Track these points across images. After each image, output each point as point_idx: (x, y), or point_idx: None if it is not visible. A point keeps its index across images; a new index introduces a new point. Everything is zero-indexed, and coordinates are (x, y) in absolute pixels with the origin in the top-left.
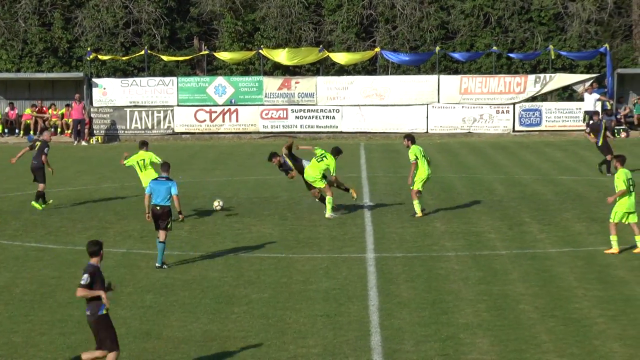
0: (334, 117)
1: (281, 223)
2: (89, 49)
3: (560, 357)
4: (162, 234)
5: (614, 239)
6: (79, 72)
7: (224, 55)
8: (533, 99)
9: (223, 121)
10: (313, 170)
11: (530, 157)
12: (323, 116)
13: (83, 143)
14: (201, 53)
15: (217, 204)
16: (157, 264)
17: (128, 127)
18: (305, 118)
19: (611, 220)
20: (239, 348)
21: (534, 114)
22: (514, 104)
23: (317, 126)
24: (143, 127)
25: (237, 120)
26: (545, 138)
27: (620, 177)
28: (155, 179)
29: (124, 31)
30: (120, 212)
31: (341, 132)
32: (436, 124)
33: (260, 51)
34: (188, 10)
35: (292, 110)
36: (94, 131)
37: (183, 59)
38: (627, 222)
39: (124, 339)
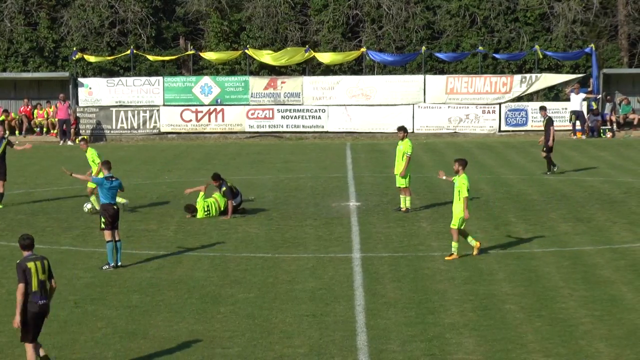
0: (320, 117)
1: (267, 223)
2: (74, 48)
3: (547, 357)
4: (118, 233)
5: (455, 245)
6: (64, 71)
7: (209, 55)
8: (519, 99)
9: (209, 121)
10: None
11: (516, 157)
12: (309, 116)
13: (69, 143)
14: (187, 53)
15: (86, 207)
16: (118, 263)
17: (114, 127)
18: (292, 118)
19: (454, 227)
20: (224, 348)
21: (519, 114)
22: (499, 104)
23: (303, 126)
24: (129, 127)
25: (223, 120)
26: (531, 138)
27: (466, 184)
28: (107, 177)
29: (109, 31)
30: None
31: (327, 132)
32: (422, 124)
33: (246, 51)
34: (174, 10)
35: (278, 110)
36: (80, 131)
37: (169, 59)
38: (455, 227)
39: (110, 338)
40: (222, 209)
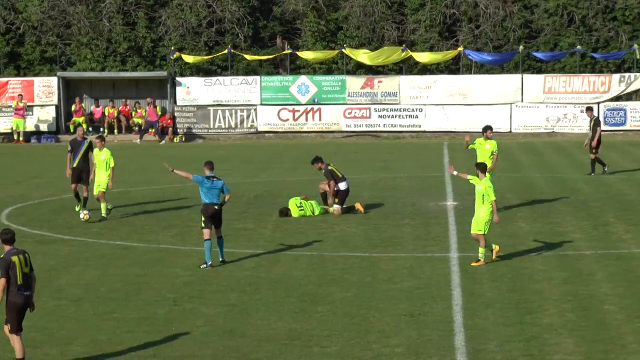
0: (417, 117)
1: (365, 222)
2: (172, 48)
3: None
4: (219, 230)
5: (482, 251)
6: (162, 71)
7: (306, 54)
8: (617, 98)
9: (306, 120)
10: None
11: (615, 157)
12: (406, 115)
13: (138, 141)
14: (284, 52)
15: (83, 215)
16: (221, 259)
17: (211, 126)
18: (388, 117)
19: (481, 233)
20: (322, 347)
21: (618, 113)
22: (598, 103)
23: (400, 125)
24: (226, 126)
25: (320, 119)
26: (630, 138)
27: (492, 186)
28: (208, 177)
29: (207, 30)
30: None
31: (424, 132)
32: (520, 124)
33: (343, 50)
34: (271, 9)
35: (375, 109)
36: (177, 130)
37: (266, 58)
38: (482, 232)
39: (209, 336)
40: (315, 215)
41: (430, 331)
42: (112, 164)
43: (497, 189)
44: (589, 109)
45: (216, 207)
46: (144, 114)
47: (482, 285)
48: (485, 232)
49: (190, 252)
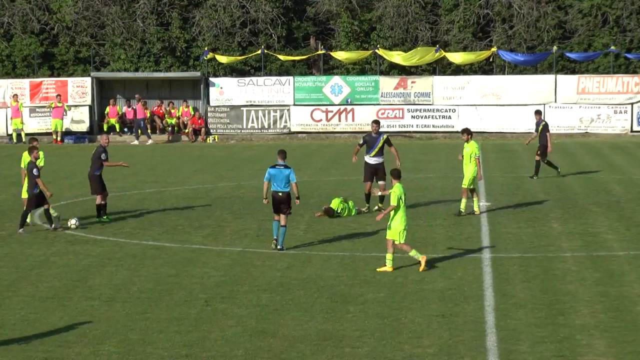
0: (450, 117)
1: None
2: (206, 48)
3: None
4: (283, 219)
5: (389, 257)
6: (196, 71)
7: (340, 55)
8: None
9: (339, 121)
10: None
11: None
12: (439, 116)
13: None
14: (317, 52)
15: (72, 223)
16: (279, 247)
17: (244, 127)
18: (422, 118)
19: (388, 238)
20: (354, 347)
21: None
22: (632, 104)
23: (433, 126)
24: (259, 127)
25: (353, 120)
26: None
27: (396, 193)
28: (274, 166)
29: (240, 31)
30: (237, 211)
31: (457, 132)
32: (553, 124)
33: (376, 51)
34: (305, 9)
35: (408, 110)
36: (211, 130)
37: (299, 59)
38: (399, 242)
39: (240, 337)
40: (352, 215)
41: (462, 332)
42: (41, 164)
43: (530, 189)
44: (538, 113)
45: (280, 194)
46: (178, 114)
47: (514, 286)
48: (401, 241)
49: (222, 252)
